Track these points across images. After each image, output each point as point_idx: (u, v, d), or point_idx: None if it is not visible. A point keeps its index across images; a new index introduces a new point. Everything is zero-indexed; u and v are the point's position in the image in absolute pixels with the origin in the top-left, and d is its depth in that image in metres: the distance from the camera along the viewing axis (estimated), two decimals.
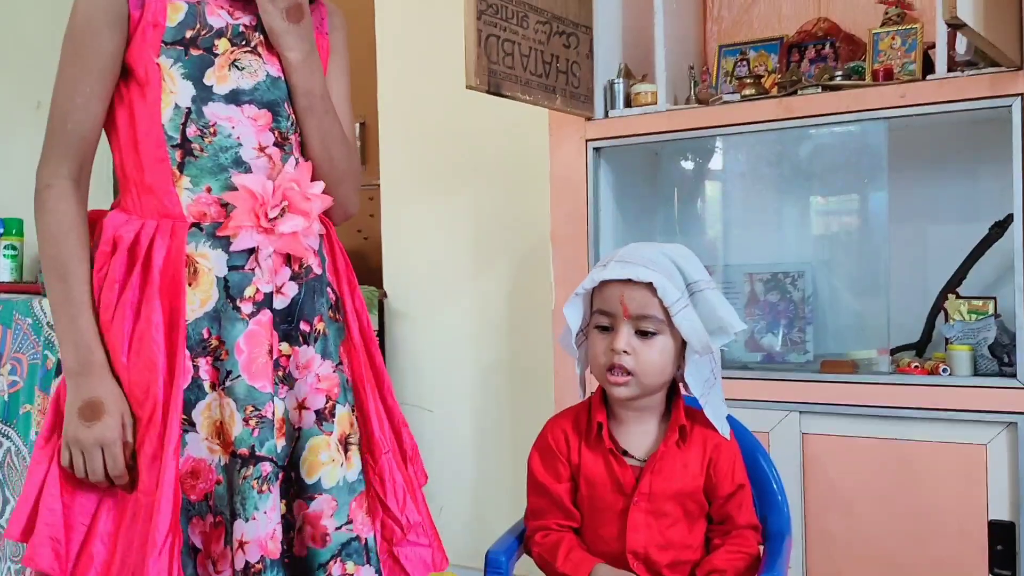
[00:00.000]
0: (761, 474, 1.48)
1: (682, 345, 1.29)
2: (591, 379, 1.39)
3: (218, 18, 1.17)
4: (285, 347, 1.18)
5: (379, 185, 2.83)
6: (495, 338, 2.63)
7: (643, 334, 1.26)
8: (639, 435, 1.33)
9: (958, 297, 1.90)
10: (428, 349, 2.74)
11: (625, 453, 1.32)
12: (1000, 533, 1.70)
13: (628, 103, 2.07)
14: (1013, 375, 1.68)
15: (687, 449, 1.30)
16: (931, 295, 1.98)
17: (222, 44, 1.16)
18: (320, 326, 1.21)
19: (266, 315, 1.16)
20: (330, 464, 1.16)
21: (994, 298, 1.87)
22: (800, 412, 1.88)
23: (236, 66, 1.17)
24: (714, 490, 1.31)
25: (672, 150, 2.26)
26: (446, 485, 2.71)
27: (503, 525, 1.47)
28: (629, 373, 1.26)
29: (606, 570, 1.26)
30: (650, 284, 1.23)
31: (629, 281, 1.25)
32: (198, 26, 1.15)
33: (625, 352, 1.25)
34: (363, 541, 1.18)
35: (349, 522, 1.17)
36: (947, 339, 1.85)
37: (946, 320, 1.90)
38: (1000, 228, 1.86)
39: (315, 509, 1.16)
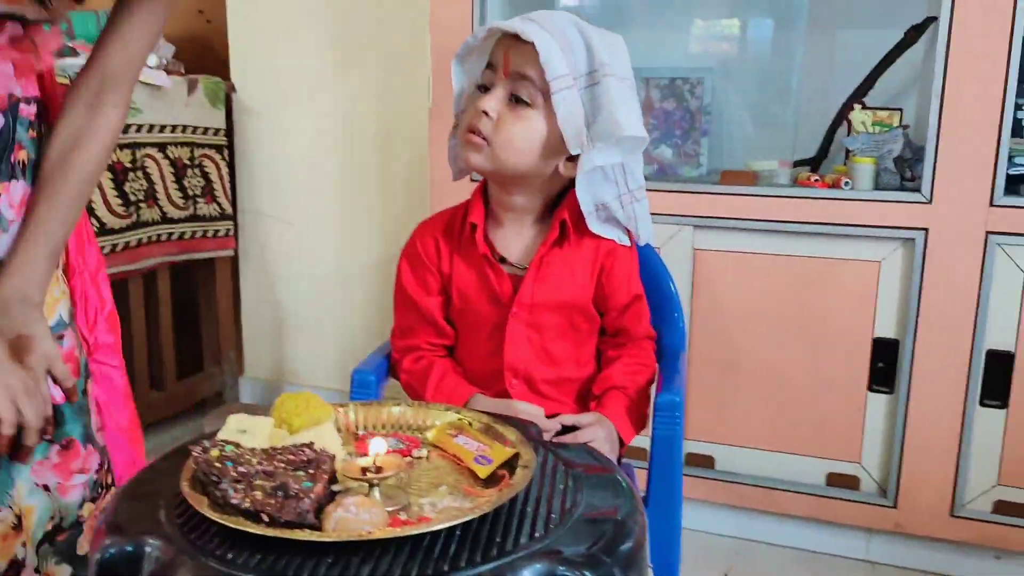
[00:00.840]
0: (657, 287, 1.35)
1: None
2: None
3: None
4: None
5: None
6: (363, 141, 2.35)
7: (518, 101, 1.06)
8: (518, 239, 1.15)
9: (864, 108, 1.78)
10: (286, 153, 2.43)
11: (503, 260, 1.14)
12: (883, 351, 1.68)
13: None
14: (916, 189, 1.61)
15: (574, 254, 1.13)
16: (839, 106, 1.86)
17: None
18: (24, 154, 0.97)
19: None
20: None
21: (900, 109, 1.77)
22: (694, 226, 1.76)
23: None
24: (607, 301, 1.16)
25: None
26: (307, 305, 2.50)
27: (372, 347, 1.29)
28: (487, 140, 1.07)
29: (484, 400, 1.11)
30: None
31: (519, 39, 1.04)
32: None
33: (487, 115, 1.06)
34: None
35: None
36: (848, 151, 1.75)
37: (848, 132, 1.79)
38: (916, 32, 1.74)
39: None
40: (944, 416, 1.64)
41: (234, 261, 2.49)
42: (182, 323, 2.37)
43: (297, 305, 2.51)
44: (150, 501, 0.69)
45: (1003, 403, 1.61)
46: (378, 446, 0.71)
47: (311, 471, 0.67)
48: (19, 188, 0.96)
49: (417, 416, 0.84)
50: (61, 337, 1.01)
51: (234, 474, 0.66)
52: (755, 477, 1.80)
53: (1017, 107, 1.55)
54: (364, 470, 0.68)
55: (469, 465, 0.74)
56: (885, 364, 1.68)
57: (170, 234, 2.21)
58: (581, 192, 1.09)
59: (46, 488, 0.99)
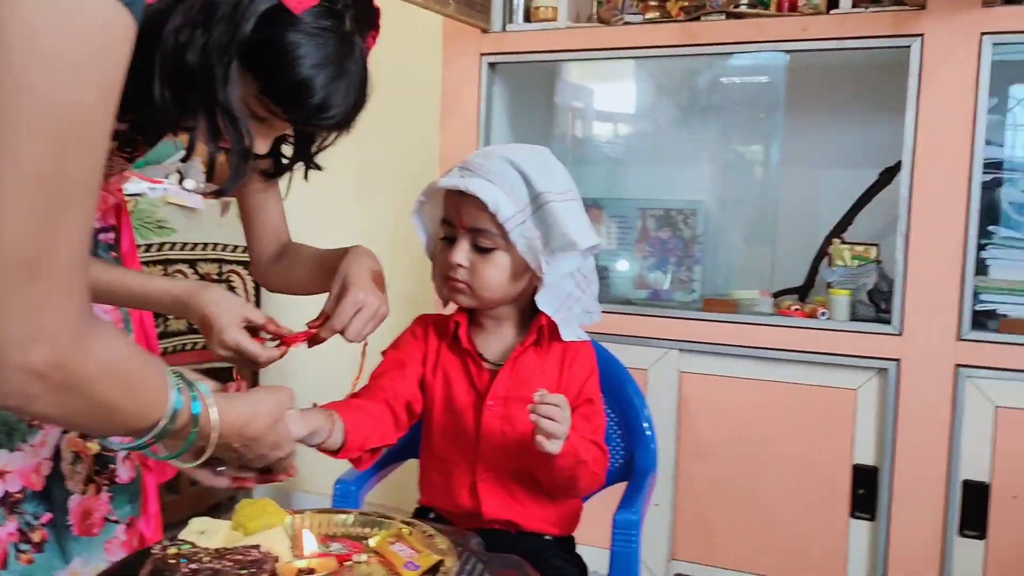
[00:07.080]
0: (631, 410, 1.43)
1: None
2: None
3: None
4: None
5: None
6: (382, 260, 2.50)
7: (481, 249, 1.17)
8: (497, 341, 1.25)
9: (843, 242, 1.88)
10: None
11: (482, 356, 1.25)
12: (863, 477, 1.71)
13: (527, 17, 1.95)
14: (888, 321, 1.68)
15: (546, 354, 1.22)
16: (818, 240, 1.96)
17: None
18: None
19: None
20: None
21: (877, 245, 1.86)
22: (680, 350, 1.84)
23: None
24: (565, 394, 1.19)
25: (571, 71, 2.16)
26: None
27: None
28: (467, 284, 1.19)
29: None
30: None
31: (465, 193, 1.14)
32: None
33: (461, 266, 1.17)
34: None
35: None
36: (828, 283, 1.84)
37: (829, 264, 1.88)
38: (889, 174, 1.85)
39: None
40: (925, 545, 1.66)
41: None
42: None
43: None
44: None
45: (981, 534, 1.62)
46: (308, 540, 0.79)
47: (253, 570, 0.76)
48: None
49: (365, 524, 0.93)
50: None
51: (185, 570, 0.75)
52: None
53: (980, 247, 1.63)
54: (300, 571, 0.76)
55: (399, 570, 0.82)
56: (865, 491, 1.71)
57: (195, 344, 2.36)
58: (543, 303, 1.18)
59: None
